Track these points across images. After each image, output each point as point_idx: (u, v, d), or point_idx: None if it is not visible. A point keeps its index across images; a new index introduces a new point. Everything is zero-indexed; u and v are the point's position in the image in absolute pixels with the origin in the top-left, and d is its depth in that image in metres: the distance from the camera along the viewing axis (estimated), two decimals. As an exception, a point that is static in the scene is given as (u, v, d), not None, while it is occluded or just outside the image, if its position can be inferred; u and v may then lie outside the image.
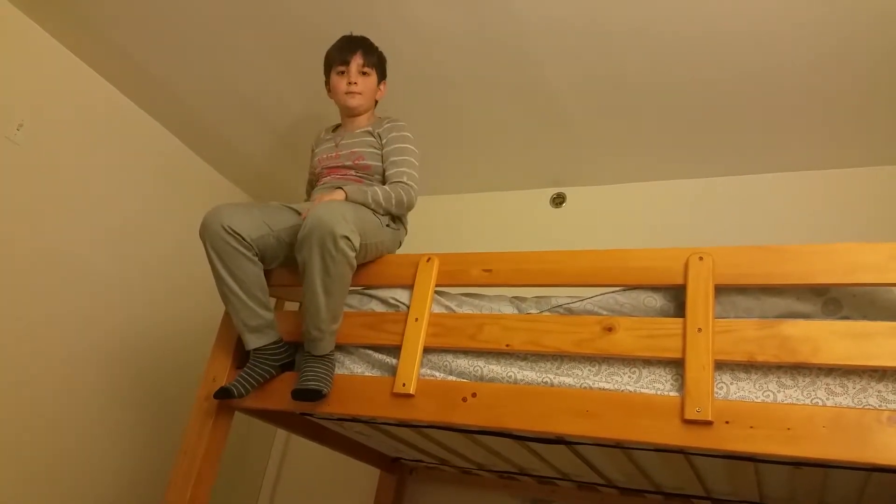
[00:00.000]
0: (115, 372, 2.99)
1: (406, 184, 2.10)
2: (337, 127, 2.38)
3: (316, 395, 1.75)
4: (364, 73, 2.23)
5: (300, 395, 1.75)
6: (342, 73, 2.23)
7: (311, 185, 2.41)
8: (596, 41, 2.37)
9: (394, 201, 2.05)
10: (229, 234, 1.85)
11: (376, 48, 2.28)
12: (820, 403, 1.36)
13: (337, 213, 1.74)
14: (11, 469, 2.56)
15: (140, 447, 3.10)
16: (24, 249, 2.63)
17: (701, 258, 1.55)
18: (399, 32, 2.46)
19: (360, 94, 2.22)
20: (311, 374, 1.80)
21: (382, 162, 2.17)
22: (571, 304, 1.75)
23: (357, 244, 1.78)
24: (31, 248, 2.66)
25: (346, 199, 1.94)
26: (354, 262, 1.80)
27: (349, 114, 2.28)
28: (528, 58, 2.50)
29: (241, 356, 2.02)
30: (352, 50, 2.22)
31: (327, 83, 2.31)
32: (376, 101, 2.34)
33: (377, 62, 2.28)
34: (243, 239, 1.87)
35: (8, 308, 2.57)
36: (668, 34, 2.29)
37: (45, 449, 2.69)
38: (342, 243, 1.72)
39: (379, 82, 2.30)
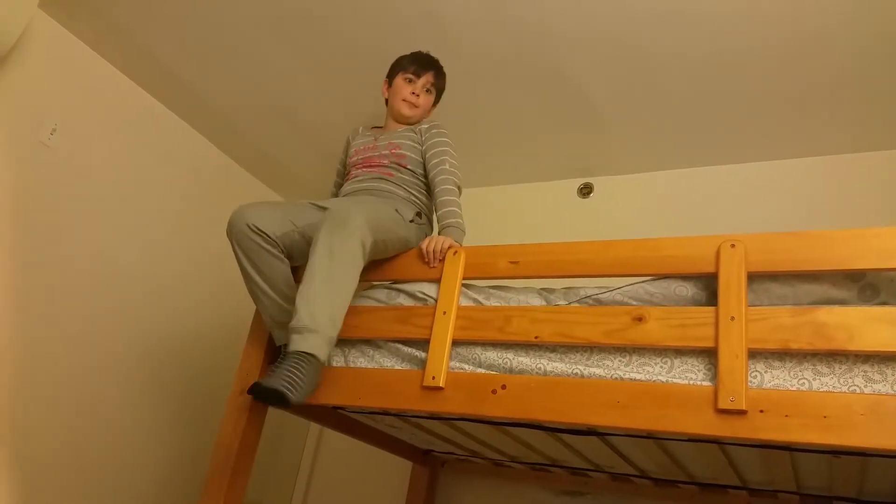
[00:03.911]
0: (152, 370, 3.05)
1: (451, 172, 2.14)
2: (376, 128, 2.41)
3: (277, 398, 1.54)
4: (428, 91, 2.33)
5: (258, 391, 1.54)
6: (410, 81, 2.30)
7: (340, 176, 2.44)
8: (620, 26, 2.34)
9: (460, 209, 2.09)
10: (254, 232, 1.88)
11: (445, 74, 2.39)
12: (857, 391, 1.33)
13: (352, 210, 1.77)
14: (53, 465, 2.63)
15: (177, 442, 3.15)
16: (58, 251, 2.69)
17: (733, 245, 1.53)
18: (420, 22, 2.46)
19: (418, 107, 2.30)
20: (282, 373, 1.58)
21: (421, 157, 2.21)
22: (600, 295, 1.74)
23: (369, 243, 1.79)
24: (65, 251, 2.72)
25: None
26: (361, 260, 1.78)
27: (399, 119, 2.32)
28: (552, 45, 2.48)
29: (274, 352, 2.04)
30: (427, 67, 2.32)
31: (387, 83, 2.36)
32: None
33: (441, 87, 2.39)
34: (268, 237, 1.89)
35: (43, 310, 2.63)
36: (695, 16, 2.25)
37: (85, 445, 2.75)
38: (352, 238, 1.74)
39: (433, 104, 2.40)
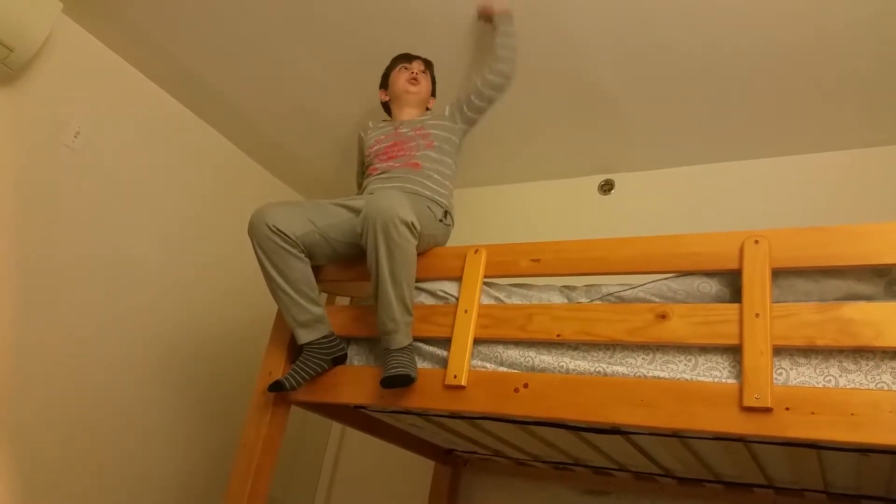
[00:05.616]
0: (173, 369, 3.08)
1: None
2: (386, 121, 2.43)
3: (406, 380, 1.74)
4: (423, 72, 2.44)
5: (389, 381, 1.74)
6: (405, 68, 2.42)
7: (360, 175, 2.45)
8: (640, 21, 2.32)
9: (517, 58, 2.27)
10: (274, 232, 1.89)
11: (433, 65, 2.52)
12: (885, 388, 1.31)
13: (396, 200, 1.77)
14: (73, 465, 2.66)
15: (199, 441, 3.18)
16: (83, 253, 2.72)
17: (757, 241, 1.51)
18: (439, 21, 2.46)
19: (420, 82, 2.40)
20: (396, 362, 1.79)
21: (451, 132, 2.29)
22: (622, 293, 1.73)
23: (418, 230, 1.80)
24: (90, 252, 2.75)
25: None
26: (414, 239, 1.81)
27: (407, 100, 2.39)
28: (571, 41, 2.47)
29: (296, 351, 2.04)
30: (415, 56, 2.47)
31: (383, 91, 2.48)
32: (427, 109, 2.48)
33: (432, 76, 2.50)
34: (288, 237, 1.90)
35: (64, 309, 2.67)
36: (715, 10, 2.23)
37: (106, 445, 2.78)
38: (402, 228, 1.75)
39: (432, 94, 2.50)
